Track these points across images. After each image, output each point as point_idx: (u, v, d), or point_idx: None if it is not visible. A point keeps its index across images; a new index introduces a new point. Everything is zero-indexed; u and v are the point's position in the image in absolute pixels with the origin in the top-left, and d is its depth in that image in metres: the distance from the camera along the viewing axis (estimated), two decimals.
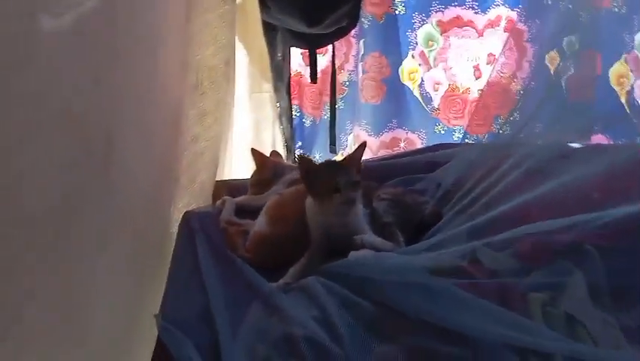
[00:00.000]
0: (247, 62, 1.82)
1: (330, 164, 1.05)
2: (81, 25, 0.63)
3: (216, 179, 1.47)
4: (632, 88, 1.63)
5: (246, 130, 1.91)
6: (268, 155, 1.41)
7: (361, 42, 2.09)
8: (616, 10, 1.28)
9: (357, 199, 1.00)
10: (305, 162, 1.03)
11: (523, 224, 0.95)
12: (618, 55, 1.50)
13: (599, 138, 1.42)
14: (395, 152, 1.72)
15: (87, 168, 0.71)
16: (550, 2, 1.58)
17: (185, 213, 1.19)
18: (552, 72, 1.28)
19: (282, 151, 2.05)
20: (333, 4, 1.78)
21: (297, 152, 2.32)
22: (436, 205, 1.16)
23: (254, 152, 1.28)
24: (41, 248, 0.62)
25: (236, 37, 1.72)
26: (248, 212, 1.19)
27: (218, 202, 1.24)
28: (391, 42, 2.05)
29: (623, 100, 1.63)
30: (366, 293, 0.82)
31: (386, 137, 2.17)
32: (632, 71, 1.62)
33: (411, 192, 1.21)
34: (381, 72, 2.09)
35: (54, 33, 0.57)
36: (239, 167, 1.79)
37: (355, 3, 1.86)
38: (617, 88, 1.63)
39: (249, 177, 1.30)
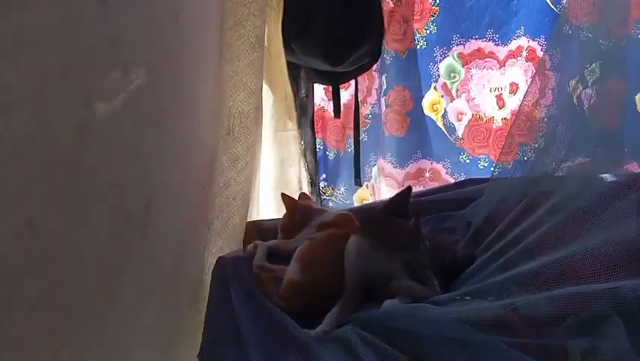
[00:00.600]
0: (272, 101, 1.86)
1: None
2: (130, 104, 0.67)
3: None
4: None
5: (271, 167, 1.94)
6: (296, 196, 1.43)
7: (383, 77, 2.14)
8: (639, 37, 1.28)
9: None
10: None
11: (569, 280, 0.93)
12: None
13: (631, 167, 1.35)
14: (422, 190, 1.74)
15: (126, 236, 0.75)
16: (570, 32, 1.57)
17: (218, 259, 1.22)
18: (575, 100, 1.27)
19: (307, 186, 2.08)
20: (355, 44, 1.82)
21: (322, 184, 2.36)
22: (467, 246, 1.16)
23: (284, 196, 1.31)
24: (86, 313, 0.65)
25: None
26: (279, 257, 1.20)
27: (250, 246, 1.26)
28: (414, 76, 2.10)
29: None
30: (404, 346, 0.81)
31: (411, 168, 2.20)
32: None
33: (440, 231, 1.21)
34: (404, 105, 2.14)
35: (107, 116, 0.61)
36: (266, 206, 1.83)
37: (377, 40, 1.90)
38: None
39: (280, 220, 1.32)
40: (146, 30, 0.79)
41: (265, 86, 1.84)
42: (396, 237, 1.03)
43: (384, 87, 2.14)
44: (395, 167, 2.20)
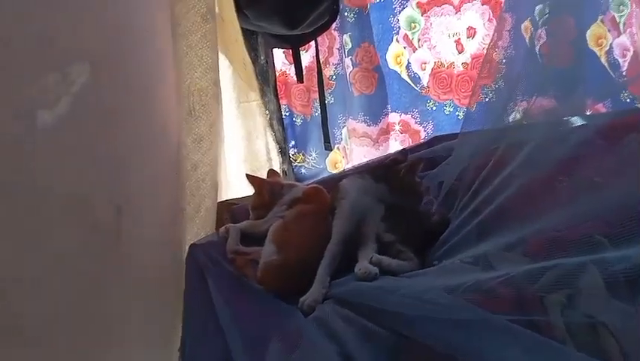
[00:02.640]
0: (231, 72, 1.78)
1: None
2: (76, 107, 0.62)
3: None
4: (611, 47, 1.68)
5: (238, 141, 1.88)
6: (265, 171, 1.39)
7: (347, 36, 2.07)
8: None
9: None
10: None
11: (531, 216, 0.93)
12: (594, 17, 1.51)
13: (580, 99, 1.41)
14: (394, 151, 1.74)
15: (100, 243, 0.71)
16: None
17: (190, 246, 1.18)
18: (527, 41, 1.28)
19: (277, 156, 2.03)
20: (311, 4, 1.74)
21: (292, 151, 2.31)
22: (440, 208, 1.15)
23: (249, 177, 1.27)
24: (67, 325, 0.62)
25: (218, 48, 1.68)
26: (253, 238, 1.18)
27: (222, 230, 1.23)
28: (377, 31, 2.05)
29: (603, 60, 1.67)
30: (385, 322, 0.81)
31: (383, 123, 2.18)
32: (609, 30, 1.66)
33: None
34: (371, 62, 2.10)
35: (52, 125, 0.55)
36: (237, 181, 1.78)
37: None
38: (596, 49, 1.68)
39: (249, 200, 1.28)
40: (82, 20, 0.72)
41: (222, 57, 1.76)
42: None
43: (349, 46, 2.09)
44: (369, 125, 2.18)
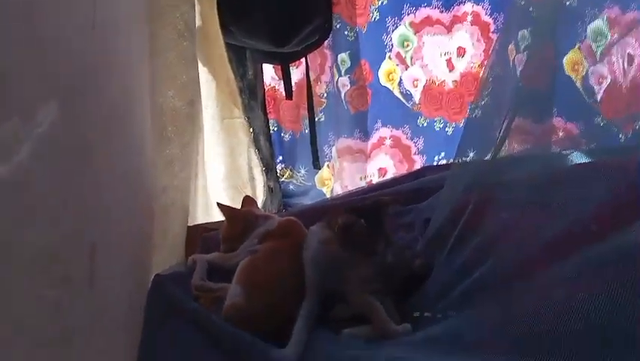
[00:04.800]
0: (214, 88, 1.70)
1: (371, 221, 0.95)
2: (42, 149, 0.54)
3: (190, 223, 1.37)
4: (587, 74, 1.69)
5: (220, 157, 1.80)
6: (244, 188, 1.31)
7: (345, 54, 2.05)
8: (567, 3, 1.32)
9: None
10: (349, 226, 0.95)
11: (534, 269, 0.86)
12: (572, 44, 1.55)
13: (556, 121, 1.47)
14: (379, 181, 1.70)
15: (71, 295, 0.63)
16: None
17: (154, 277, 1.09)
18: (511, 63, 1.31)
19: (260, 175, 1.95)
20: (302, 21, 1.67)
21: (279, 167, 2.24)
22: (425, 251, 1.07)
23: (220, 206, 1.18)
24: None
25: (200, 65, 1.60)
26: (220, 272, 1.09)
27: (189, 260, 1.14)
28: (372, 48, 2.05)
29: (578, 85, 1.69)
30: None
31: (374, 138, 2.17)
32: (585, 58, 1.68)
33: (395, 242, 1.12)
34: (366, 79, 2.09)
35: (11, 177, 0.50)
36: (218, 199, 1.69)
37: (326, 16, 1.76)
38: (572, 75, 1.69)
39: (220, 230, 1.20)
40: (46, 52, 0.64)
41: (205, 72, 1.68)
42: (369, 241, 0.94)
43: (347, 65, 2.07)
44: (363, 140, 2.16)
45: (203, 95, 1.61)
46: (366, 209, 0.95)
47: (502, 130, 1.20)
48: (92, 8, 0.78)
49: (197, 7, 1.52)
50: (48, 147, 0.62)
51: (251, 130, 1.83)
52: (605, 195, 1.00)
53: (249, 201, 1.26)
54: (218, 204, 1.19)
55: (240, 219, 1.14)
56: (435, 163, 2.07)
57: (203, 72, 1.64)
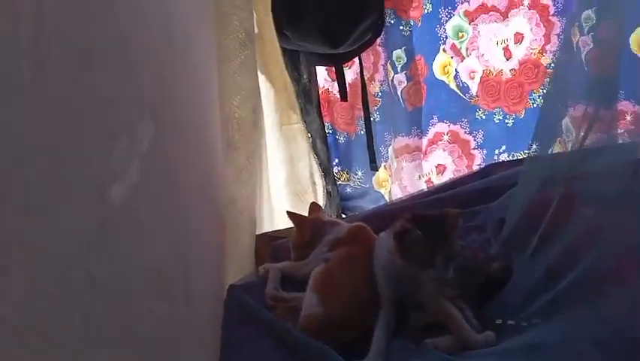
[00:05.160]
0: (272, 94, 1.71)
1: (431, 231, 0.89)
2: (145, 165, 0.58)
3: (257, 232, 1.39)
4: None
5: (280, 164, 1.81)
6: (305, 194, 1.31)
7: (401, 50, 1.99)
8: None
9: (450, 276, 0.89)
10: (404, 234, 0.91)
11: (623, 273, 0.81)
12: (638, 20, 1.45)
13: (623, 104, 1.39)
14: (442, 183, 1.65)
15: (175, 309, 0.68)
16: None
17: (229, 288, 1.11)
18: (574, 47, 1.27)
19: (320, 179, 1.95)
20: (354, 21, 1.65)
21: (336, 170, 2.23)
22: (502, 253, 1.02)
23: (290, 215, 1.19)
24: None
25: (258, 72, 1.62)
26: (293, 281, 1.10)
27: (261, 270, 1.16)
28: (427, 42, 1.97)
29: None
30: None
31: (430, 134, 2.10)
32: None
33: (468, 246, 1.08)
34: (422, 74, 2.02)
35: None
36: (280, 206, 1.71)
37: (378, 14, 1.73)
38: (638, 53, 1.65)
39: (290, 235, 1.20)
40: (142, 69, 0.67)
41: (263, 79, 1.70)
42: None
43: (404, 61, 2.00)
44: (420, 138, 2.10)
45: (263, 103, 1.63)
46: (429, 219, 0.92)
47: (569, 119, 1.15)
48: (167, 25, 0.81)
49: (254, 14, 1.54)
50: (150, 165, 0.63)
51: (308, 135, 1.83)
52: None
53: (315, 207, 1.26)
54: (287, 212, 1.19)
55: (309, 226, 1.14)
56: (496, 157, 2.00)
57: (261, 80, 1.66)
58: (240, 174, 1.27)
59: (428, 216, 0.92)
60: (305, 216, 1.21)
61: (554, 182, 1.06)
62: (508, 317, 0.88)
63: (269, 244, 1.33)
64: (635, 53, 1.66)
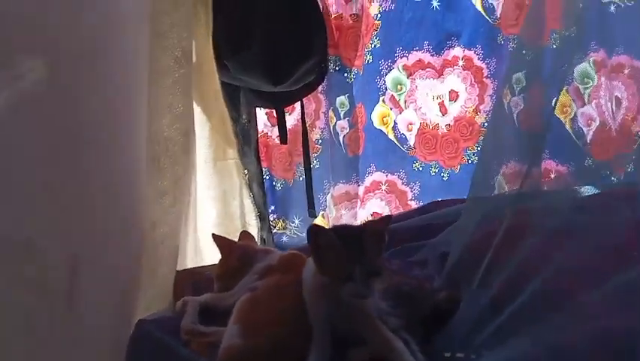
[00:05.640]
0: (208, 128, 1.62)
1: (349, 241, 0.80)
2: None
3: (178, 268, 1.24)
4: (575, 116, 1.84)
5: (212, 202, 1.69)
6: (237, 234, 1.19)
7: (344, 97, 2.03)
8: (554, 46, 1.33)
9: (371, 292, 0.79)
10: (319, 235, 0.81)
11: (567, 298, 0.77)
12: (560, 87, 1.59)
13: (548, 164, 1.54)
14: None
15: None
16: (502, 42, 1.88)
17: (137, 323, 0.95)
18: (506, 108, 1.31)
19: (255, 220, 1.84)
20: (299, 59, 1.63)
21: (272, 217, 2.13)
22: (446, 284, 0.95)
23: (216, 238, 1.06)
24: None
25: (195, 103, 1.54)
26: (215, 315, 0.95)
27: (179, 304, 1.01)
28: (367, 91, 2.00)
29: (567, 127, 1.83)
30: None
31: (367, 182, 2.08)
32: (573, 100, 1.83)
33: (408, 275, 1.01)
34: (361, 122, 2.04)
35: None
36: (207, 247, 1.56)
37: (322, 58, 1.74)
38: (561, 117, 1.82)
39: (216, 267, 1.07)
40: None
41: (199, 111, 1.62)
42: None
43: (347, 108, 2.03)
44: (359, 184, 2.08)
45: (196, 138, 1.54)
46: (347, 229, 0.84)
47: (502, 177, 1.16)
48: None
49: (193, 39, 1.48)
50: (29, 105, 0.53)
51: (244, 171, 1.74)
52: (629, 220, 0.95)
53: (246, 235, 1.14)
54: (213, 235, 1.07)
55: (238, 253, 1.02)
56: None
57: (197, 112, 1.58)
58: (164, 198, 1.15)
59: (347, 227, 0.88)
60: (233, 241, 1.08)
61: (497, 216, 1.04)
62: (456, 349, 0.80)
63: (191, 282, 1.18)
64: (558, 116, 1.79)
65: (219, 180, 1.69)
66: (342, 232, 0.83)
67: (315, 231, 0.82)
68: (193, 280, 1.15)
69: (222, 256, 1.04)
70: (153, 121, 1.15)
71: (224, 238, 1.07)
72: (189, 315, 0.95)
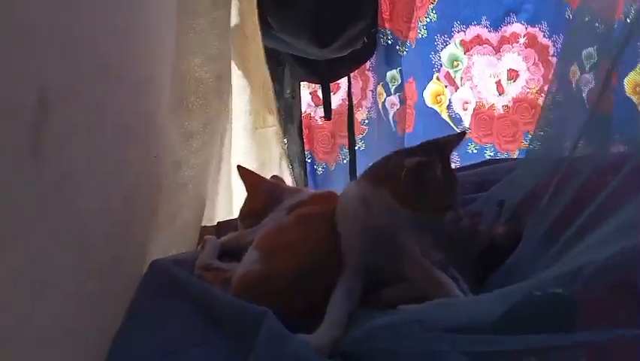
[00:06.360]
0: (248, 93, 1.56)
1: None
2: None
3: (204, 224, 1.15)
4: None
5: None
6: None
7: (396, 71, 1.90)
8: (628, 20, 1.17)
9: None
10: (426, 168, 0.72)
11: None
12: (633, 64, 1.38)
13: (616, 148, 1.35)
14: None
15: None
16: (571, 16, 1.68)
17: (151, 263, 0.86)
18: (574, 86, 1.22)
19: None
20: (345, 20, 1.54)
21: None
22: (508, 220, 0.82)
23: (241, 170, 0.94)
24: None
25: (235, 67, 1.48)
26: (236, 253, 0.84)
27: (199, 248, 0.91)
28: (420, 66, 1.87)
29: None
30: None
31: None
32: None
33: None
34: (412, 98, 1.90)
35: None
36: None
37: (371, 22, 1.64)
38: (633, 97, 1.51)
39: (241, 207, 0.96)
40: None
41: (240, 77, 1.55)
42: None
43: (397, 83, 1.90)
44: None
45: (235, 104, 1.47)
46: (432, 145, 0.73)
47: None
48: None
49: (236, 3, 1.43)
50: None
51: (284, 140, 1.65)
52: None
53: (277, 178, 1.03)
54: (238, 166, 0.94)
55: (264, 189, 0.91)
56: None
57: (236, 77, 1.52)
58: (190, 140, 1.07)
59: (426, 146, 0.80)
60: (261, 177, 0.96)
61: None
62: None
63: (217, 233, 1.09)
64: (629, 96, 1.63)
65: (257, 150, 1.61)
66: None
67: (420, 165, 0.71)
68: (218, 223, 1.05)
69: (248, 193, 0.93)
70: (183, 60, 1.08)
71: (251, 171, 0.96)
72: (206, 253, 0.85)
